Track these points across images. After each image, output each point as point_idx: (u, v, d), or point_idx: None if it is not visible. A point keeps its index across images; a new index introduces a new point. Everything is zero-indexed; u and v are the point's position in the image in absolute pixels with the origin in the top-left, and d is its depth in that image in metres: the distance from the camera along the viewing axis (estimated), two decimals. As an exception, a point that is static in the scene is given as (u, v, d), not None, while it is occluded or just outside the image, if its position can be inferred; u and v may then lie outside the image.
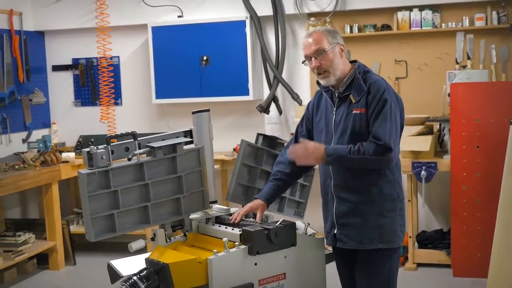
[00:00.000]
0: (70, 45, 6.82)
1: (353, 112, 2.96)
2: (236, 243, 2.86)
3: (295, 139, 3.24)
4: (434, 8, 5.79)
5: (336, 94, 3.04)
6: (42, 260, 5.87)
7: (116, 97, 6.71)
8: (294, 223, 2.98)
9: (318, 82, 3.13)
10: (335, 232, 3.05)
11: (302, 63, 3.09)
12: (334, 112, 3.03)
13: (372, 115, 2.92)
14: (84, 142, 6.48)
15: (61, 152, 6.08)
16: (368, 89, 2.95)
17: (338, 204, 3.03)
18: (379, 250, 3.01)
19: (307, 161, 2.96)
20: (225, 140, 5.92)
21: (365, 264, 3.06)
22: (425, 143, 5.26)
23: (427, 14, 5.78)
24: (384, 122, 2.89)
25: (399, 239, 3.05)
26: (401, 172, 3.13)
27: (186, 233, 3.10)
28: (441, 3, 5.76)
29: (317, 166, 3.23)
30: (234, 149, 6.01)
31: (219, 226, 3.08)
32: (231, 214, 3.14)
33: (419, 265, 5.48)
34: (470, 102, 5.13)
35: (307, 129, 3.19)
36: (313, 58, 2.99)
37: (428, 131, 5.44)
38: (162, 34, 6.26)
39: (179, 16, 6.33)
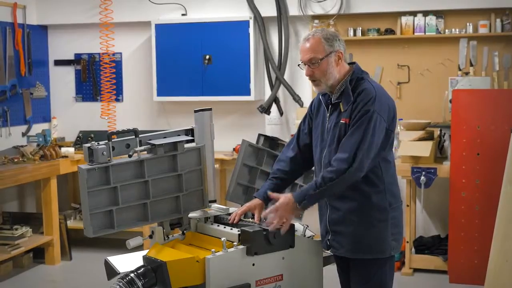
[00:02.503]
0: (73, 40, 6.81)
1: (340, 121, 2.91)
2: (234, 243, 2.85)
3: (298, 137, 3.20)
4: (438, 13, 5.79)
5: (330, 100, 3.00)
6: (38, 254, 5.86)
7: (117, 93, 6.71)
8: (293, 225, 2.98)
9: None
10: (329, 238, 3.04)
11: (298, 65, 3.05)
12: (327, 119, 2.99)
13: (350, 125, 2.87)
14: (83, 137, 6.47)
15: (60, 146, 6.08)
16: (355, 98, 2.89)
17: (331, 212, 3.01)
18: (369, 259, 2.98)
19: (285, 219, 2.86)
20: (225, 139, 5.91)
21: (357, 272, 3.04)
22: (425, 149, 5.26)
23: (431, 19, 5.78)
24: (356, 133, 2.83)
25: (391, 248, 2.99)
26: (397, 180, 3.06)
27: (185, 231, 3.09)
28: (445, 9, 5.76)
29: (314, 168, 3.22)
30: (234, 149, 6.01)
31: (218, 226, 3.07)
32: (230, 214, 3.13)
33: (416, 270, 5.48)
34: (472, 109, 5.13)
35: (309, 127, 3.15)
36: (306, 66, 2.95)
37: (429, 137, 5.44)
38: (165, 32, 6.26)
39: (183, 14, 6.33)
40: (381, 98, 2.91)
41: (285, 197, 2.89)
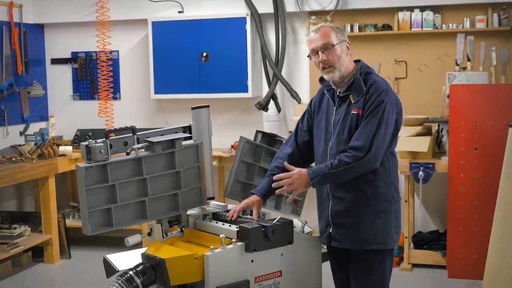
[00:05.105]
0: (70, 38, 6.80)
1: (351, 112, 2.96)
2: (233, 239, 2.86)
3: (295, 134, 3.23)
4: (435, 9, 5.78)
5: (337, 94, 3.04)
6: (37, 253, 5.86)
7: (115, 91, 6.70)
8: (291, 221, 2.98)
9: (320, 80, 3.13)
10: (330, 231, 3.05)
11: (308, 57, 3.08)
12: (334, 112, 3.03)
13: (365, 114, 2.92)
14: (81, 136, 6.46)
15: (58, 145, 6.07)
16: (367, 90, 2.96)
17: (333, 203, 3.03)
18: (373, 251, 3.01)
19: (294, 189, 2.97)
20: (223, 136, 5.91)
21: (358, 265, 3.06)
22: (423, 144, 5.26)
23: (428, 15, 5.77)
24: (371, 123, 2.89)
25: (393, 240, 3.04)
26: (398, 174, 3.14)
27: (183, 228, 3.10)
28: (442, 4, 5.75)
29: (314, 164, 3.22)
30: (232, 146, 6.00)
31: (216, 223, 3.08)
32: (228, 211, 3.13)
33: (414, 265, 5.49)
34: (469, 104, 5.13)
35: (307, 125, 3.19)
36: (320, 52, 2.98)
37: (427, 132, 5.44)
38: (162, 30, 6.25)
39: (179, 12, 6.32)
40: (391, 91, 3.00)
41: (300, 170, 2.97)
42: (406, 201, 5.36)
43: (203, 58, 6.13)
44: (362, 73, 3.02)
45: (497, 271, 4.07)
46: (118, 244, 3.89)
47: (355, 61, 3.10)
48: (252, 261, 2.84)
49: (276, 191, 3.02)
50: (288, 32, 6.15)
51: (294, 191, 2.98)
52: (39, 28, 6.77)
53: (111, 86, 6.66)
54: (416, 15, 5.80)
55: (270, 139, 3.58)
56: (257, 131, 3.59)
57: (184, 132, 3.16)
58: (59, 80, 6.88)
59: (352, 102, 2.97)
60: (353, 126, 2.95)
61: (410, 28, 5.84)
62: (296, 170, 2.97)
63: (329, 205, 3.04)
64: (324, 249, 3.18)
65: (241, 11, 6.12)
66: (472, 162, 5.12)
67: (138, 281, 2.72)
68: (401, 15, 5.84)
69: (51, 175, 5.75)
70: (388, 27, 5.91)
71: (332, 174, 2.90)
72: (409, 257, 5.46)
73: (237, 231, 2.88)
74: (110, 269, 2.97)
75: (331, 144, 3.01)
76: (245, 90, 6.08)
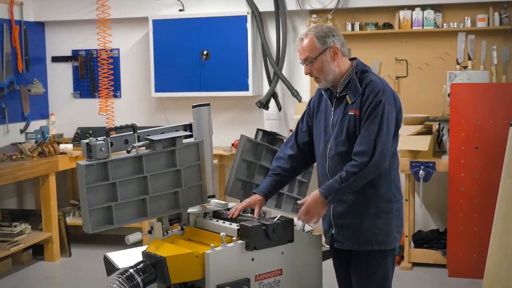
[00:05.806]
0: (70, 36, 6.80)
1: (349, 113, 2.95)
2: (233, 238, 2.85)
3: (296, 135, 3.22)
4: (436, 7, 5.78)
5: (334, 94, 3.03)
6: (38, 251, 5.86)
7: (115, 89, 6.70)
8: (292, 220, 2.98)
9: None
10: (333, 232, 3.05)
11: (300, 63, 3.08)
12: (332, 112, 3.02)
13: (364, 117, 2.90)
14: (82, 134, 6.47)
15: (58, 143, 6.06)
16: (363, 90, 2.93)
17: (335, 205, 3.02)
18: (375, 251, 3.00)
19: (318, 216, 2.96)
20: (224, 135, 5.91)
21: (360, 265, 3.05)
22: (423, 143, 5.26)
23: (429, 13, 5.77)
24: (372, 125, 2.87)
25: (395, 240, 3.04)
26: (399, 173, 3.12)
27: (184, 227, 3.10)
28: (443, 3, 5.75)
29: (315, 164, 3.22)
30: (233, 144, 6.00)
31: (217, 221, 3.08)
32: (229, 209, 3.13)
33: (415, 264, 5.49)
34: (470, 103, 5.13)
35: (307, 125, 3.18)
36: (304, 65, 3.00)
37: (427, 131, 5.44)
38: (163, 28, 6.25)
39: (180, 10, 6.32)
40: (388, 89, 2.97)
41: (313, 197, 2.94)
42: (406, 200, 5.36)
43: (204, 56, 6.13)
44: (357, 72, 2.99)
45: (497, 270, 4.07)
46: (119, 242, 3.89)
47: (352, 59, 3.07)
48: (252, 259, 2.84)
49: (304, 223, 3.01)
50: (289, 31, 6.15)
51: (317, 216, 2.96)
52: (40, 26, 6.77)
53: (112, 84, 6.66)
54: (417, 13, 5.80)
55: (270, 137, 3.58)
56: (258, 130, 3.59)
57: (184, 130, 3.15)
58: (60, 78, 6.88)
59: (349, 102, 2.96)
60: (351, 127, 2.93)
61: (411, 27, 5.83)
62: (309, 199, 2.93)
63: (330, 206, 3.03)
64: (325, 247, 3.17)
65: (242, 9, 6.12)
66: (472, 161, 5.12)
67: (139, 279, 2.72)
68: (402, 13, 5.84)
69: (52, 173, 5.75)
70: (389, 25, 5.90)
71: (344, 188, 2.89)
72: (409, 256, 5.46)
73: (238, 229, 2.87)
74: (110, 267, 2.98)
75: (330, 145, 3.00)
76: (246, 88, 6.08)
